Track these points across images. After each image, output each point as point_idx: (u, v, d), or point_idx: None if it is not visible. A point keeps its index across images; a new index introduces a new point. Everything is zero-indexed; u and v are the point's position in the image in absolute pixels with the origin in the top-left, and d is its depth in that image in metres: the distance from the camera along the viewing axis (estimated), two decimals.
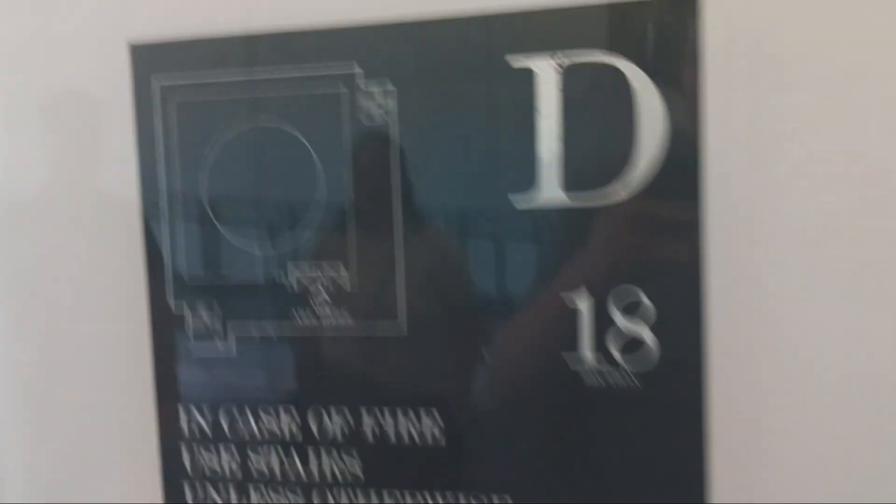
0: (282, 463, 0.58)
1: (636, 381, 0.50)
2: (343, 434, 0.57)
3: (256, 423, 0.58)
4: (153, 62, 0.57)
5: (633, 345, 0.51)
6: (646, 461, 0.51)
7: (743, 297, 0.51)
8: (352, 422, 0.56)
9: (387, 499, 0.56)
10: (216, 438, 0.59)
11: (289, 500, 0.58)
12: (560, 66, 0.50)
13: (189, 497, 0.60)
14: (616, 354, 0.51)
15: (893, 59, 0.49)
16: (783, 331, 0.51)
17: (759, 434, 0.52)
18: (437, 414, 0.55)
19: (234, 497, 0.59)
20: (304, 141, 0.55)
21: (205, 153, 0.57)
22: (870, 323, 0.50)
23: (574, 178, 0.51)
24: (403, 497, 0.56)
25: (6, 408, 0.67)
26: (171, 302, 0.59)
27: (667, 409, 0.50)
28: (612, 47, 0.49)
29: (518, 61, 0.51)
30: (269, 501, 0.59)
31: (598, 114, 0.51)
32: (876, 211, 0.50)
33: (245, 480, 0.59)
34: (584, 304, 0.51)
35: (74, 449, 0.65)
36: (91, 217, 0.63)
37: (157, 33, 0.57)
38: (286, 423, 0.58)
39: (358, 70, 0.53)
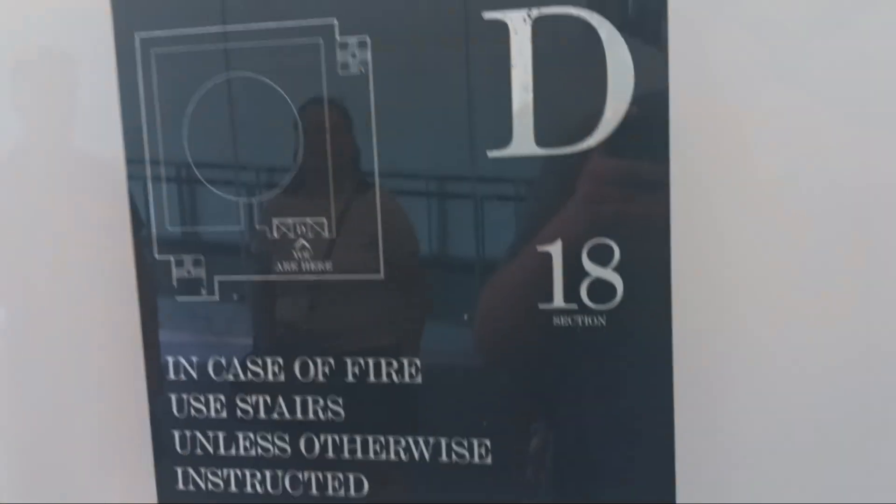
0: (267, 406, 0.60)
1: (603, 321, 0.53)
2: (325, 376, 0.59)
3: (242, 368, 0.60)
4: (134, 16, 0.58)
5: (602, 289, 0.53)
6: (615, 400, 0.54)
7: (707, 247, 0.53)
8: (333, 365, 0.59)
9: (369, 440, 0.59)
10: (203, 385, 0.61)
11: (274, 443, 0.60)
12: (530, 16, 0.52)
13: (177, 442, 0.62)
14: (586, 298, 0.53)
15: (860, 15, 0.51)
16: (742, 278, 0.54)
17: (721, 368, 0.55)
18: (416, 358, 0.57)
19: (221, 440, 0.61)
20: (283, 92, 0.56)
21: (186, 106, 0.58)
22: (823, 271, 0.53)
23: (546, 130, 0.52)
24: (386, 440, 0.59)
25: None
26: (156, 253, 0.60)
27: (633, 346, 0.53)
28: (586, 1, 0.51)
29: (491, 14, 0.52)
30: (255, 444, 0.61)
31: (568, 66, 0.52)
32: (835, 166, 0.52)
33: (231, 424, 0.61)
34: (556, 253, 0.53)
35: (63, 400, 0.67)
36: (74, 171, 0.64)
37: None
38: (270, 368, 0.60)
39: (335, 23, 0.55)
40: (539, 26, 0.52)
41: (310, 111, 0.56)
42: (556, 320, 0.53)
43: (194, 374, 0.61)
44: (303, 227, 0.57)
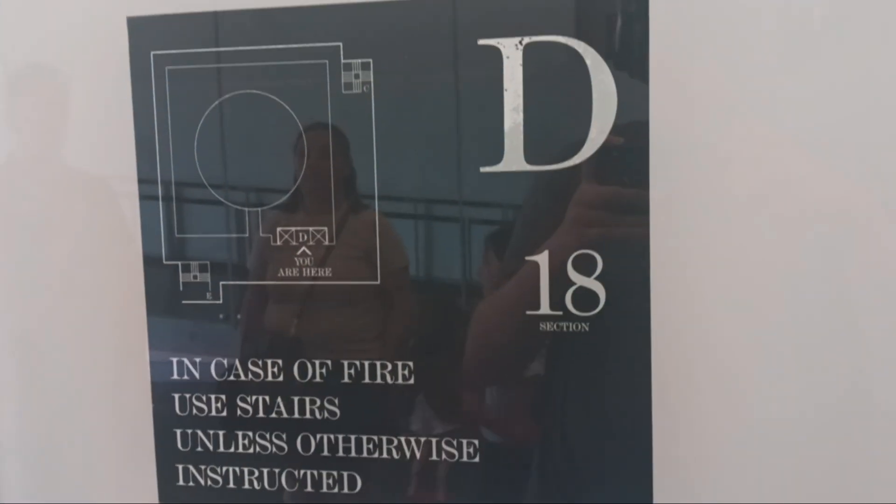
0: (266, 406, 0.63)
1: (587, 327, 0.57)
2: (322, 377, 0.62)
3: (243, 369, 0.63)
4: (150, 35, 0.61)
5: (585, 297, 0.56)
6: (597, 401, 0.58)
7: (683, 261, 0.57)
8: (330, 367, 0.62)
9: (363, 439, 0.62)
10: (204, 385, 0.64)
11: (272, 441, 0.63)
12: (521, 43, 0.56)
13: (179, 439, 0.65)
14: (571, 306, 0.57)
15: (825, 51, 0.55)
16: (717, 290, 0.57)
17: (697, 374, 0.58)
18: (409, 361, 0.60)
19: (221, 439, 0.64)
20: (289, 109, 0.60)
21: (197, 120, 0.61)
22: (792, 283, 0.56)
23: (535, 149, 0.56)
24: (379, 440, 0.62)
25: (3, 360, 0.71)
26: (164, 259, 0.63)
27: (615, 351, 0.57)
28: (574, 32, 0.55)
29: (485, 41, 0.56)
30: (253, 442, 0.64)
31: (556, 90, 0.56)
32: (801, 190, 0.56)
33: (231, 423, 0.64)
34: (543, 263, 0.57)
35: (69, 398, 0.69)
36: (87, 179, 0.67)
37: (151, 8, 0.61)
38: (270, 369, 0.63)
39: (340, 45, 0.58)
40: (530, 53, 0.56)
41: (313, 130, 0.60)
42: (542, 326, 0.57)
43: (197, 375, 0.64)
44: (304, 236, 0.61)
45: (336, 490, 0.63)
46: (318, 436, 0.62)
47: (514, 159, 0.57)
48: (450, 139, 0.58)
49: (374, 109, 0.58)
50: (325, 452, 0.62)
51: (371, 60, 0.58)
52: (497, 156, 0.57)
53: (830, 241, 0.56)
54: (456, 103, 0.57)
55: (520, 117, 0.56)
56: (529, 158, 0.56)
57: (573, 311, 0.57)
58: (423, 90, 0.58)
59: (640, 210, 0.55)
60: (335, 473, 0.63)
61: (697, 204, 0.56)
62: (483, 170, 0.57)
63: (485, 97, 0.56)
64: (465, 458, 0.60)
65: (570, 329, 0.57)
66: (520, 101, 0.56)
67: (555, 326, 0.57)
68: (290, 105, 0.60)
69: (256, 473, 0.64)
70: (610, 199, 0.55)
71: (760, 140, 0.56)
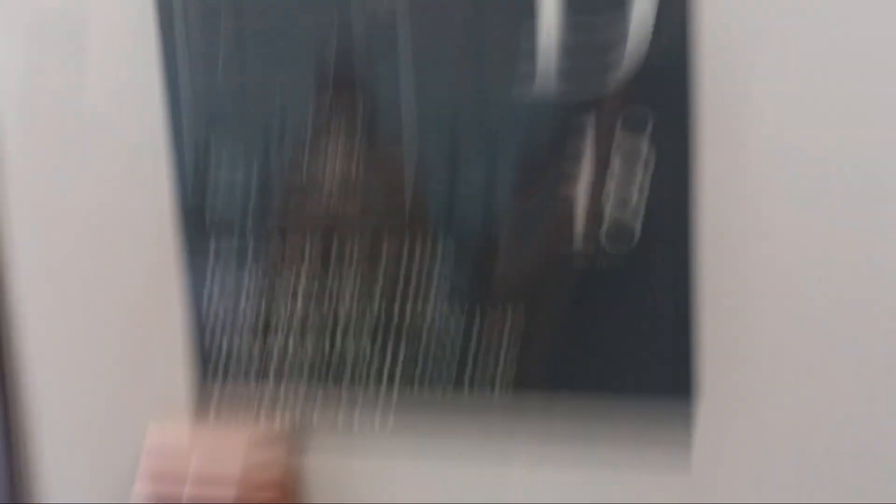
0: (297, 346, 0.63)
1: (621, 263, 0.55)
2: (355, 314, 0.62)
3: (272, 310, 0.63)
4: None
5: (620, 232, 0.55)
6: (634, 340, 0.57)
7: (730, 190, 0.54)
8: (361, 304, 0.61)
9: (396, 376, 0.62)
10: (236, 325, 0.64)
11: (304, 379, 0.64)
12: None
13: (209, 377, 0.66)
14: (605, 241, 0.55)
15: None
16: (768, 225, 0.54)
17: (743, 309, 0.56)
18: (447, 296, 0.60)
19: (252, 377, 0.65)
20: (315, 37, 0.58)
21: (216, 53, 0.60)
22: (849, 225, 0.53)
23: (569, 72, 0.54)
24: (412, 378, 0.62)
25: (44, 318, 0.72)
26: (191, 197, 0.63)
27: (651, 288, 0.55)
28: None
29: None
30: (284, 381, 0.64)
31: (593, 10, 0.53)
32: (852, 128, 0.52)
33: (263, 365, 0.65)
34: (581, 196, 0.55)
35: (102, 342, 0.70)
36: (115, 118, 0.66)
37: None
38: (300, 308, 0.63)
39: None
40: None
41: (339, 57, 0.58)
42: (575, 262, 0.56)
43: (230, 315, 0.64)
44: (332, 172, 0.60)
45: (369, 422, 0.63)
46: (351, 372, 0.62)
47: (546, 79, 0.54)
48: (482, 62, 0.55)
49: (403, 36, 0.56)
50: (359, 386, 0.63)
51: None
52: (531, 77, 0.54)
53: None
54: (491, 24, 0.55)
55: (553, 37, 0.53)
56: (562, 80, 0.54)
57: (607, 247, 0.55)
58: (451, 8, 0.55)
59: (677, 122, 0.52)
60: (367, 410, 0.63)
61: (744, 133, 0.53)
62: (515, 91, 0.54)
63: (518, 13, 0.54)
64: (496, 396, 0.60)
65: (605, 266, 0.55)
66: (554, 20, 0.53)
67: (589, 263, 0.55)
68: (315, 32, 0.58)
69: (288, 412, 0.65)
70: (643, 110, 0.53)
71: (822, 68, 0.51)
